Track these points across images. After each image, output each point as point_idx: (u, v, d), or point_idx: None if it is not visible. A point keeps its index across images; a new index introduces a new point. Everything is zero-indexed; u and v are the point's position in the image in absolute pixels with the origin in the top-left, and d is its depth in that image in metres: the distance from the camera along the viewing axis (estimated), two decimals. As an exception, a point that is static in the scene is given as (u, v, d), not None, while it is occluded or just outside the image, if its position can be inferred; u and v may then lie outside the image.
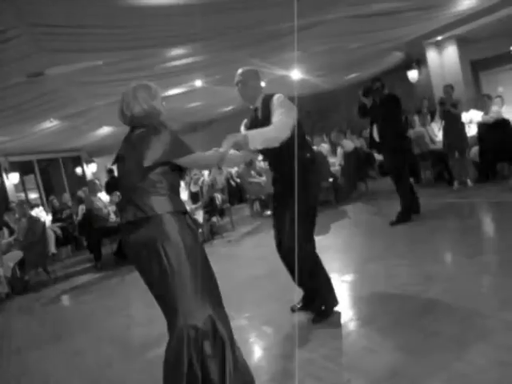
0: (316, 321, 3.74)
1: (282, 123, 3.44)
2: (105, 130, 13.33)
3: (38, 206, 13.18)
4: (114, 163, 2.88)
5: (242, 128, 4.01)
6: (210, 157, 2.92)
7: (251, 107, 3.89)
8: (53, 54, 6.08)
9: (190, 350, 2.53)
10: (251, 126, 3.86)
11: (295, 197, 3.47)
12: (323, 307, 3.83)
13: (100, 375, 3.80)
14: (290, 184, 3.54)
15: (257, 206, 10.87)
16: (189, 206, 8.65)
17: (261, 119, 3.74)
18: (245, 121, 4.04)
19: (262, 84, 3.88)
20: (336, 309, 3.87)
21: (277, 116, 3.50)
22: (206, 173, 10.13)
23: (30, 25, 5.06)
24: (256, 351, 3.61)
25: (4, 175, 13.85)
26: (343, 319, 3.73)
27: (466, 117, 8.60)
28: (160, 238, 2.56)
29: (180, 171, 2.81)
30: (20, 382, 4.16)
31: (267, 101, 3.69)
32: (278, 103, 3.58)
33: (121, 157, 2.81)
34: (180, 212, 2.70)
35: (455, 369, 2.61)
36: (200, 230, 8.61)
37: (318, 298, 3.87)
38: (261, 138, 3.33)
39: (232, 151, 3.55)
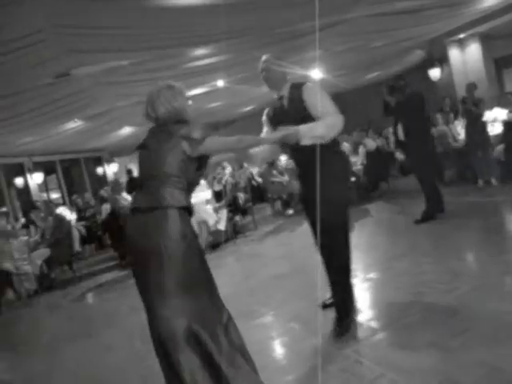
0: (337, 334, 3.48)
1: (333, 121, 3.41)
2: (126, 131, 13.44)
3: (61, 205, 13.37)
4: (137, 149, 2.89)
5: (264, 118, 3.89)
6: (233, 141, 2.92)
7: (275, 96, 3.74)
8: (79, 54, 6.18)
9: (180, 353, 2.50)
10: (275, 115, 3.73)
11: (326, 193, 3.33)
12: (344, 320, 3.56)
13: (133, 371, 3.85)
14: (319, 180, 3.35)
15: (278, 205, 10.89)
16: (212, 205, 8.72)
17: (287, 109, 3.62)
18: (266, 110, 3.89)
19: (288, 71, 3.71)
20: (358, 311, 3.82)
21: (322, 109, 3.42)
22: (227, 172, 10.19)
23: (57, 26, 5.16)
24: (285, 347, 3.66)
25: (28, 175, 14.06)
26: (371, 316, 3.74)
27: (490, 115, 8.51)
28: (162, 232, 2.57)
29: (200, 170, 2.84)
30: (52, 376, 4.25)
31: (297, 90, 3.56)
32: (319, 94, 3.48)
33: (145, 145, 2.83)
34: (187, 211, 2.72)
35: (491, 364, 2.60)
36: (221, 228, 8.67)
37: (340, 309, 3.60)
38: (311, 133, 3.30)
39: (258, 149, 3.55)
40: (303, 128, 3.31)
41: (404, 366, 2.79)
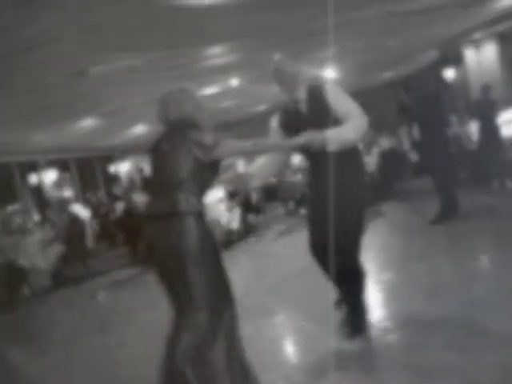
0: (351, 333, 3.42)
1: (359, 123, 3.21)
2: (140, 129, 13.50)
3: (74, 202, 13.46)
4: (149, 152, 2.87)
5: (275, 124, 3.56)
6: (248, 145, 2.90)
7: (287, 99, 3.47)
8: (93, 53, 6.21)
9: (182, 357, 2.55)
10: (291, 121, 3.41)
11: (343, 195, 3.17)
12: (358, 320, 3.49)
13: (147, 367, 3.83)
14: (335, 184, 3.13)
15: (291, 204, 10.89)
16: (225, 204, 8.73)
17: (307, 114, 3.34)
18: (277, 116, 3.58)
19: (301, 70, 3.45)
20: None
21: (346, 111, 3.23)
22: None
23: (72, 24, 5.19)
24: (297, 346, 3.68)
25: (42, 173, 14.16)
26: (385, 316, 3.73)
27: (505, 116, 8.45)
28: (179, 237, 2.57)
29: (213, 174, 2.83)
30: (66, 371, 4.28)
31: (316, 92, 3.33)
32: (342, 94, 3.32)
33: (158, 149, 2.81)
34: (202, 214, 2.71)
35: (507, 366, 2.57)
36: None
37: (353, 309, 3.53)
38: (340, 138, 3.11)
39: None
40: (330, 133, 3.08)
41: (417, 367, 2.78)
